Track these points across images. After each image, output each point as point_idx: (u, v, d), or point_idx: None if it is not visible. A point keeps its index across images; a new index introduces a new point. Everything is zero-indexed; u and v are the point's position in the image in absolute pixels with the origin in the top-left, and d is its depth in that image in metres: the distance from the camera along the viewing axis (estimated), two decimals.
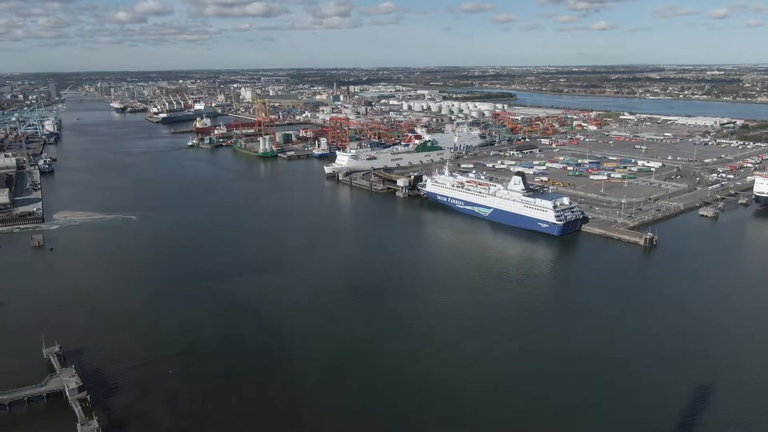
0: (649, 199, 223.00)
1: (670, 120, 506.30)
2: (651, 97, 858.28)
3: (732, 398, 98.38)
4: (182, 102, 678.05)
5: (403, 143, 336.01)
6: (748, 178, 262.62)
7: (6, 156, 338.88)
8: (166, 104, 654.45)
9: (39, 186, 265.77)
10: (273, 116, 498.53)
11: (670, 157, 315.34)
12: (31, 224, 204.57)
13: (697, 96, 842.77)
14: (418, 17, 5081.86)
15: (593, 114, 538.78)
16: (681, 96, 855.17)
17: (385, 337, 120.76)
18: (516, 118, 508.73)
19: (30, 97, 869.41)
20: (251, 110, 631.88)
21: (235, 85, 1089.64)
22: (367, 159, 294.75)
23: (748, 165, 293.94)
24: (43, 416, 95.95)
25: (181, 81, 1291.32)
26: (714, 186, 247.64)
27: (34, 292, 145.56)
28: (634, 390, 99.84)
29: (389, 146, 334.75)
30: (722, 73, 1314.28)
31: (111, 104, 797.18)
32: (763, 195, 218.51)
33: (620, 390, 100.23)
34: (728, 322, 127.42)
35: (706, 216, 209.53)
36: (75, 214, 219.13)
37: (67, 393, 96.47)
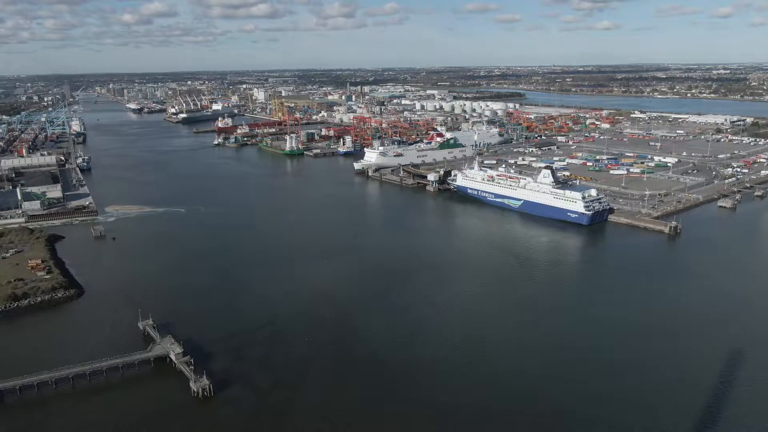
0: (659, 194, 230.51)
1: (680, 118, 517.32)
2: (659, 96, 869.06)
3: (758, 363, 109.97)
4: (198, 102, 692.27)
5: (425, 141, 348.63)
6: (762, 172, 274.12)
7: (41, 155, 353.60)
8: (184, 105, 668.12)
9: (84, 182, 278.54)
10: (297, 116, 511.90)
11: (684, 153, 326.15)
12: (88, 217, 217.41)
13: (705, 95, 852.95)
14: (421, 18, 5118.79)
15: (605, 112, 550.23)
16: (689, 95, 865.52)
17: (440, 313, 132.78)
18: (529, 116, 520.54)
19: (45, 99, 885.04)
20: (267, 110, 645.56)
21: (245, 86, 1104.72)
22: (395, 156, 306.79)
23: (762, 160, 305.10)
24: (152, 377, 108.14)
25: (189, 82, 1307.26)
26: (730, 180, 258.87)
27: (111, 275, 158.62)
28: (678, 358, 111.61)
29: (413, 144, 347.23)
30: (728, 71, 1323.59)
31: (127, 105, 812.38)
32: None
33: (665, 357, 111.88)
34: (756, 303, 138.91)
35: (724, 207, 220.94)
36: (125, 208, 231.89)
37: (173, 357, 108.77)
